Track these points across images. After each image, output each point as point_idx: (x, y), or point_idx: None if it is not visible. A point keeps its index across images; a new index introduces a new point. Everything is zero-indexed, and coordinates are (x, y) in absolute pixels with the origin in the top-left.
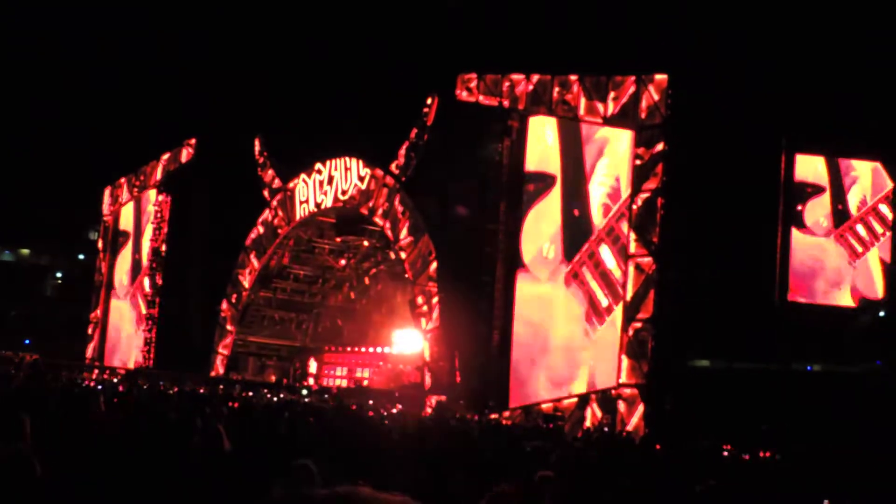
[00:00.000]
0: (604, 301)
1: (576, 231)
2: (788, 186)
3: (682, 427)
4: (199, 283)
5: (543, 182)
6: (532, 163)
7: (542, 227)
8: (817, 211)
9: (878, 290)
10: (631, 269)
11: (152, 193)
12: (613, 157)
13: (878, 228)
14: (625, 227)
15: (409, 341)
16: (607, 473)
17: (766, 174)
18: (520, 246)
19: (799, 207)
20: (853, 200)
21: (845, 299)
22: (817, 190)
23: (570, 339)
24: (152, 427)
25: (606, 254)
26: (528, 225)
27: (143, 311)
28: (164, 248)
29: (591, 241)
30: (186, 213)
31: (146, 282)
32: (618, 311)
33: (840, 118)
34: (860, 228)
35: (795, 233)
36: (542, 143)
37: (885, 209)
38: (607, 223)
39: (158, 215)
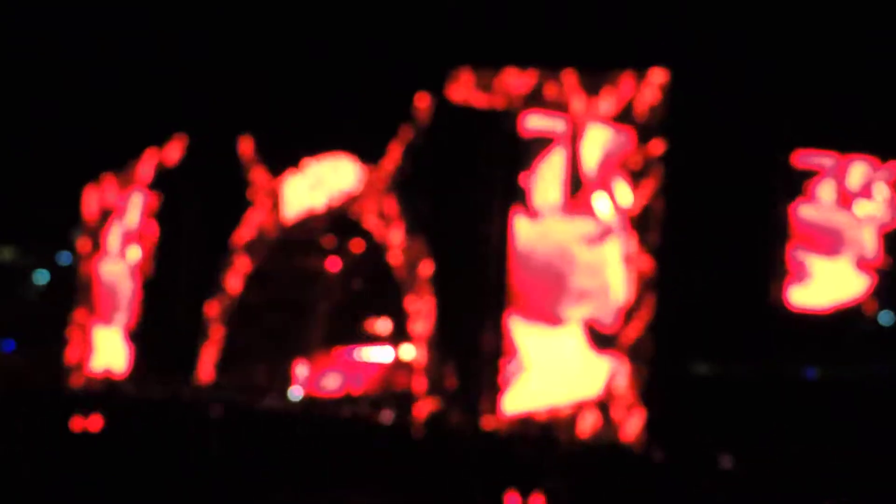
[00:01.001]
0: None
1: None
2: (788, 187)
3: (682, 434)
4: (187, 285)
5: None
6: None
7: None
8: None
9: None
10: (629, 272)
11: (137, 193)
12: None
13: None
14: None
15: (402, 346)
16: (604, 483)
17: (767, 175)
18: (513, 245)
19: (799, 203)
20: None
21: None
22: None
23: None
24: (135, 434)
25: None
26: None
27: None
28: (149, 247)
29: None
30: (173, 214)
31: (129, 283)
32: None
33: (842, 118)
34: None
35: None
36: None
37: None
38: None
39: (143, 217)
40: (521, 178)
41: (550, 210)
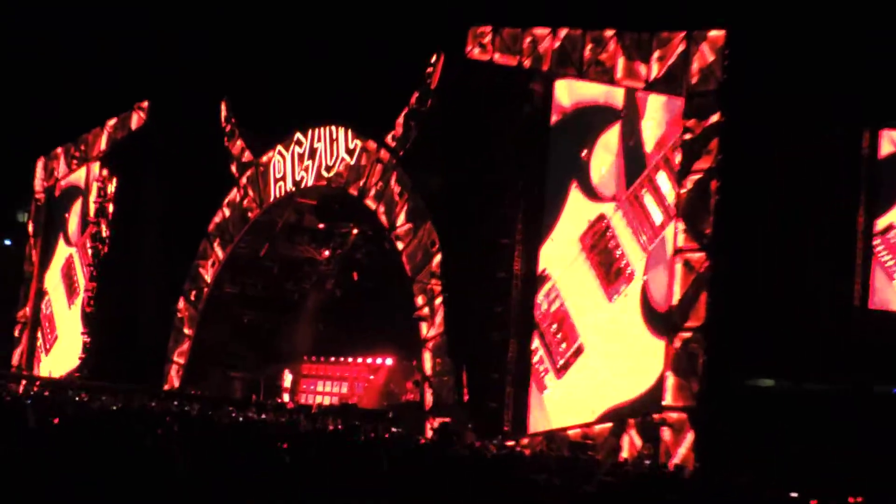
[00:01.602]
0: (657, 218)
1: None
2: (872, 169)
3: (739, 460)
4: (151, 278)
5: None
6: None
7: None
8: None
9: None
10: (679, 266)
11: (95, 167)
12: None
13: None
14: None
15: (407, 351)
16: None
17: (846, 154)
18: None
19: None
20: None
21: None
22: None
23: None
24: (91, 449)
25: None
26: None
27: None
28: (107, 234)
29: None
30: (136, 191)
31: (83, 275)
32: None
33: None
34: None
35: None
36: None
37: None
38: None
39: (101, 194)
40: (579, 154)
41: (607, 188)
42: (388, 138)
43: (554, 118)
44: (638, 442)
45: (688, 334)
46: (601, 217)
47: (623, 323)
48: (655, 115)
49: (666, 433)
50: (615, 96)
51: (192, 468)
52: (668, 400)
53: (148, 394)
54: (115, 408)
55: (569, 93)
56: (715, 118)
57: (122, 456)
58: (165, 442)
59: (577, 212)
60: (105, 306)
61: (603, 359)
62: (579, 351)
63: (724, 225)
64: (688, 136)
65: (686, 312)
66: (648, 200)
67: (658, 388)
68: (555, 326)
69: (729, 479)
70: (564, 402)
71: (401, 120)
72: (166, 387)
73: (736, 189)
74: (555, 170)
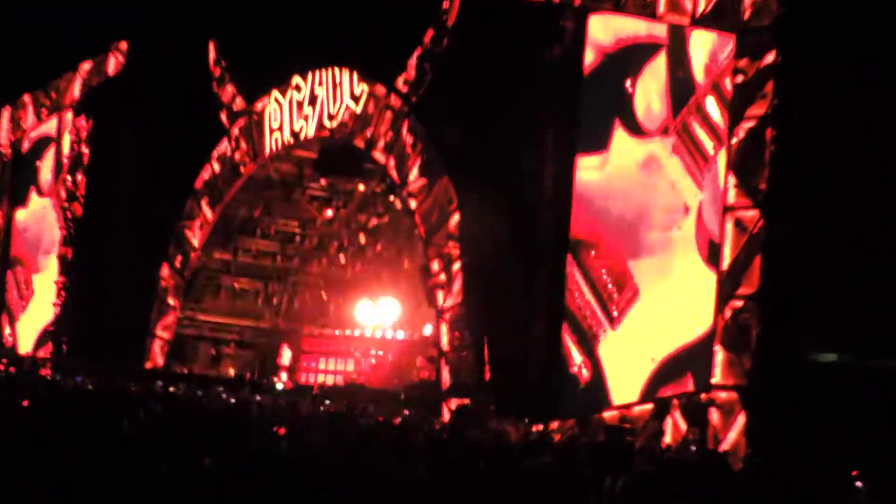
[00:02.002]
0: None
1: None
2: None
3: (797, 445)
4: (131, 241)
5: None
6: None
7: None
8: None
9: None
10: (729, 226)
11: (68, 116)
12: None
13: None
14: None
15: (421, 323)
16: None
17: None
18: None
19: None
20: None
21: None
22: None
23: None
24: (63, 435)
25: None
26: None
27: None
28: (81, 191)
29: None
30: (113, 144)
31: (56, 237)
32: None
33: None
34: None
35: None
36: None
37: None
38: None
39: (75, 147)
40: (621, 86)
41: (655, 127)
42: (399, 82)
43: (589, 57)
44: (682, 425)
45: (739, 303)
46: (651, 158)
47: (679, 259)
48: (704, 46)
49: (714, 415)
50: (659, 31)
51: (178, 457)
52: (717, 377)
53: (128, 373)
54: (90, 387)
55: (605, 29)
56: (770, 58)
57: (99, 443)
58: (147, 427)
59: (622, 153)
60: (79, 274)
61: (660, 301)
62: (634, 296)
63: (780, 179)
64: (739, 79)
65: (737, 278)
66: (697, 129)
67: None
68: (605, 273)
69: (788, 468)
70: (621, 354)
71: (413, 61)
72: (148, 365)
73: (794, 139)
74: (593, 112)
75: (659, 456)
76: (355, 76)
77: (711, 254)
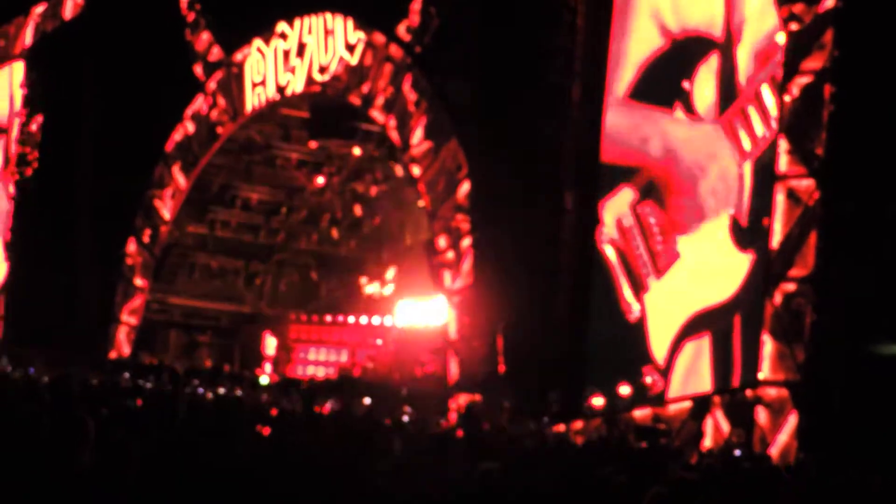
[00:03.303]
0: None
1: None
2: None
3: (856, 449)
4: (90, 212)
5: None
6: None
7: None
8: None
9: None
10: (780, 197)
11: (18, 67)
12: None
13: None
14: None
15: (426, 308)
16: None
17: None
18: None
19: None
20: None
21: None
22: None
23: None
24: (12, 436)
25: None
26: None
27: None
28: (34, 155)
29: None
30: (70, 99)
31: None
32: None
33: None
34: None
35: None
36: None
37: None
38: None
39: (26, 102)
40: (682, 86)
41: (707, 114)
42: (401, 30)
43: (657, 41)
44: (725, 426)
45: (791, 287)
46: (708, 137)
47: (713, 236)
48: (750, 50)
49: (762, 415)
50: (716, 30)
51: (147, 459)
52: (764, 372)
53: (89, 364)
54: (45, 379)
55: (676, 14)
56: (830, 2)
57: (54, 444)
58: (112, 426)
59: (683, 125)
60: (32, 250)
61: (694, 267)
62: (675, 257)
63: (840, 144)
64: (794, 27)
65: (790, 258)
66: (739, 128)
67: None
68: (655, 225)
69: (845, 474)
70: (661, 307)
71: (417, 5)
72: (113, 354)
73: (857, 97)
74: (654, 95)
75: (698, 461)
76: (350, 23)
77: (739, 236)
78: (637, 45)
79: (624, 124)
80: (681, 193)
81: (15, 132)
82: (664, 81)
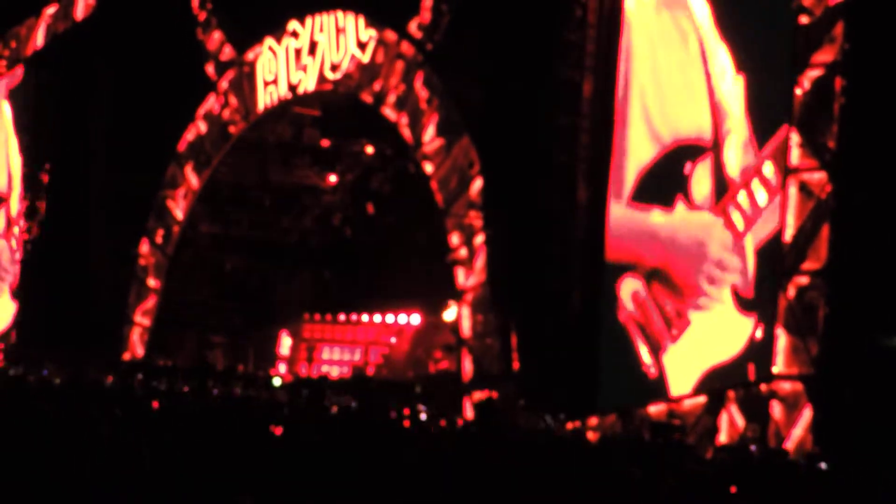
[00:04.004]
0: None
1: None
2: None
3: (871, 443)
4: (103, 213)
5: None
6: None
7: None
8: None
9: None
10: (793, 191)
11: (4, 106)
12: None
13: None
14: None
15: (439, 306)
16: None
17: None
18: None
19: None
20: None
21: None
22: None
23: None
24: (27, 437)
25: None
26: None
27: (13, 253)
28: (43, 150)
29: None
30: (82, 100)
31: (15, 208)
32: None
33: None
34: None
35: None
36: None
37: None
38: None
39: (37, 103)
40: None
41: (704, 203)
42: (413, 27)
43: (651, 152)
44: (740, 421)
45: (805, 280)
46: (705, 223)
47: (720, 310)
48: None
49: (776, 409)
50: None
51: (161, 460)
52: (779, 366)
53: (103, 365)
54: (57, 381)
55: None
56: None
57: (70, 445)
58: (126, 427)
59: (684, 214)
60: (44, 251)
61: (704, 330)
62: (687, 324)
63: (852, 137)
64: (805, 20)
65: (803, 251)
66: (734, 213)
67: (748, 352)
68: (668, 303)
69: (861, 470)
70: (680, 361)
71: (428, 3)
72: (127, 356)
73: (868, 89)
74: (659, 184)
75: (713, 456)
76: (361, 20)
77: (742, 303)
78: (634, 154)
79: (626, 225)
80: (685, 274)
81: (17, 190)
82: (663, 183)
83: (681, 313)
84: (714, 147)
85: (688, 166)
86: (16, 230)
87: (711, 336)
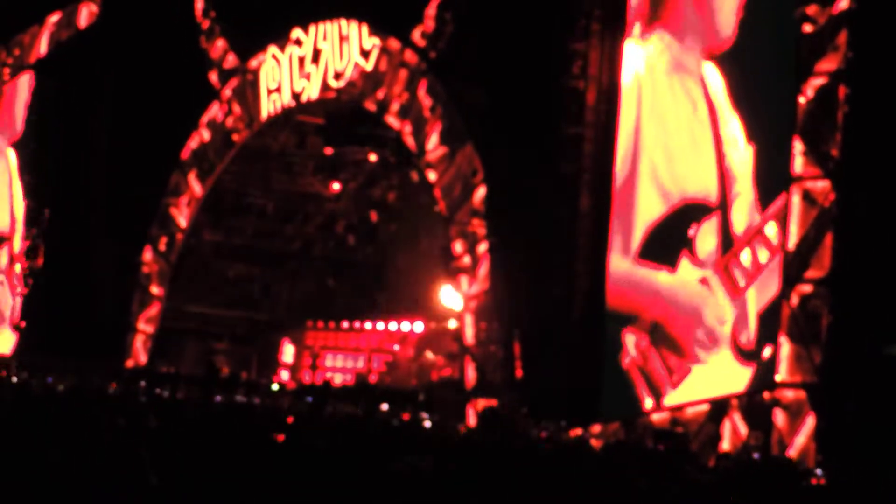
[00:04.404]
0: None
1: None
2: None
3: (875, 452)
4: (105, 220)
5: None
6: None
7: None
8: None
9: None
10: (796, 199)
11: (10, 153)
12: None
13: None
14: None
15: (442, 313)
16: None
17: None
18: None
19: None
20: None
21: None
22: None
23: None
24: (29, 447)
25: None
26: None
27: (13, 288)
28: (45, 158)
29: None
30: (85, 108)
31: (19, 215)
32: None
33: None
34: None
35: None
36: None
37: None
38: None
39: (39, 110)
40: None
41: (708, 259)
42: (416, 35)
43: (658, 209)
44: (743, 429)
45: (808, 288)
46: (706, 279)
47: (720, 361)
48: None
49: (779, 417)
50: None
51: (165, 469)
52: (782, 374)
53: (106, 372)
54: (61, 388)
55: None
56: (844, 3)
57: (73, 452)
58: (129, 434)
59: (687, 272)
60: (47, 258)
61: (704, 378)
62: (687, 373)
63: (855, 145)
64: (808, 28)
65: (806, 259)
66: (735, 271)
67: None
68: (668, 357)
69: (864, 478)
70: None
71: (432, 11)
72: (130, 363)
73: (871, 98)
74: (664, 244)
75: (716, 464)
76: (365, 28)
77: (742, 354)
78: (643, 211)
79: (631, 280)
80: (686, 330)
81: (20, 230)
82: (668, 241)
83: (681, 364)
84: (721, 206)
85: (693, 225)
86: (17, 267)
87: (712, 382)
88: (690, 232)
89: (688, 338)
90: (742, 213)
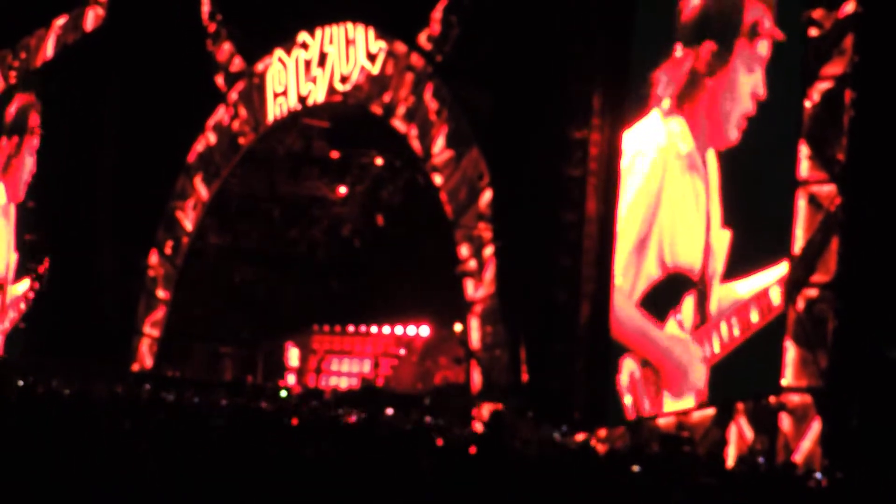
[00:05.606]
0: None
1: None
2: None
3: (881, 456)
4: (111, 223)
5: None
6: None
7: None
8: None
9: None
10: (802, 203)
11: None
12: None
13: None
14: None
15: (448, 318)
16: None
17: None
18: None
19: None
20: None
21: None
22: None
23: None
24: (35, 447)
25: None
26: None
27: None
28: (50, 161)
29: None
30: (92, 111)
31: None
32: None
33: None
34: None
35: None
36: None
37: None
38: None
39: (46, 114)
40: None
41: (688, 329)
42: (422, 38)
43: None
44: (749, 433)
45: (814, 292)
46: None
47: None
48: None
49: (785, 421)
50: None
51: (170, 473)
52: (788, 378)
53: (112, 376)
54: (66, 392)
55: None
56: (850, 7)
57: (78, 455)
58: (135, 439)
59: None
60: (53, 261)
61: None
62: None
63: (861, 149)
64: (814, 32)
65: (812, 263)
66: None
67: None
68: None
69: (870, 482)
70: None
71: (438, 14)
72: (136, 366)
73: (878, 102)
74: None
75: (722, 467)
76: (371, 32)
77: None
78: (646, 271)
79: (631, 320)
80: (674, 379)
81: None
82: (661, 301)
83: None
84: (701, 284)
85: (679, 292)
86: (11, 314)
87: None
88: (679, 294)
89: (673, 381)
90: (715, 297)
